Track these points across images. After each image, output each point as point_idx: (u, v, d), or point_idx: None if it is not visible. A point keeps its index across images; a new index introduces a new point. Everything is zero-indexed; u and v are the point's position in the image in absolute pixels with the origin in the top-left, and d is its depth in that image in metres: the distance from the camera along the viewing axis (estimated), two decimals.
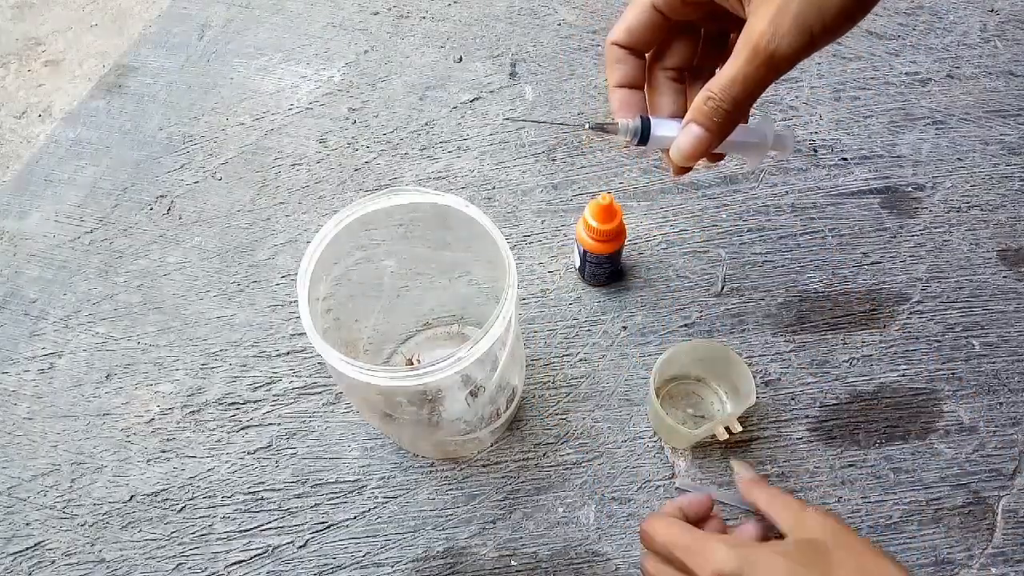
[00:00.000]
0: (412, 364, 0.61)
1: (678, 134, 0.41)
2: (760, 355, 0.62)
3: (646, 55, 0.45)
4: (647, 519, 0.45)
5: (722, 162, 0.72)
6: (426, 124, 0.77)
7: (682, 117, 0.42)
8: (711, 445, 0.58)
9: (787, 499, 0.46)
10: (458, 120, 0.77)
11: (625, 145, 0.49)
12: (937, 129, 0.74)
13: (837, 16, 0.36)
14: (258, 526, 0.57)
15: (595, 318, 0.64)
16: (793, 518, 0.44)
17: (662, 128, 0.43)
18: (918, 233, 0.68)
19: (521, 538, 0.55)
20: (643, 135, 0.44)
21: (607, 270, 0.63)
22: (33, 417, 0.62)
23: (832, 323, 0.63)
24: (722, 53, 0.43)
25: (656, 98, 0.45)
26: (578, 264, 0.64)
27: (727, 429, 0.55)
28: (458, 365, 0.44)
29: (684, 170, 0.44)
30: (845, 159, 0.72)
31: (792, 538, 0.43)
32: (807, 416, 0.59)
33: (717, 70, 0.39)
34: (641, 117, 0.43)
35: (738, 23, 0.39)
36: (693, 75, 0.45)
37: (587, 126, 0.45)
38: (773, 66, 0.37)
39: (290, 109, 0.79)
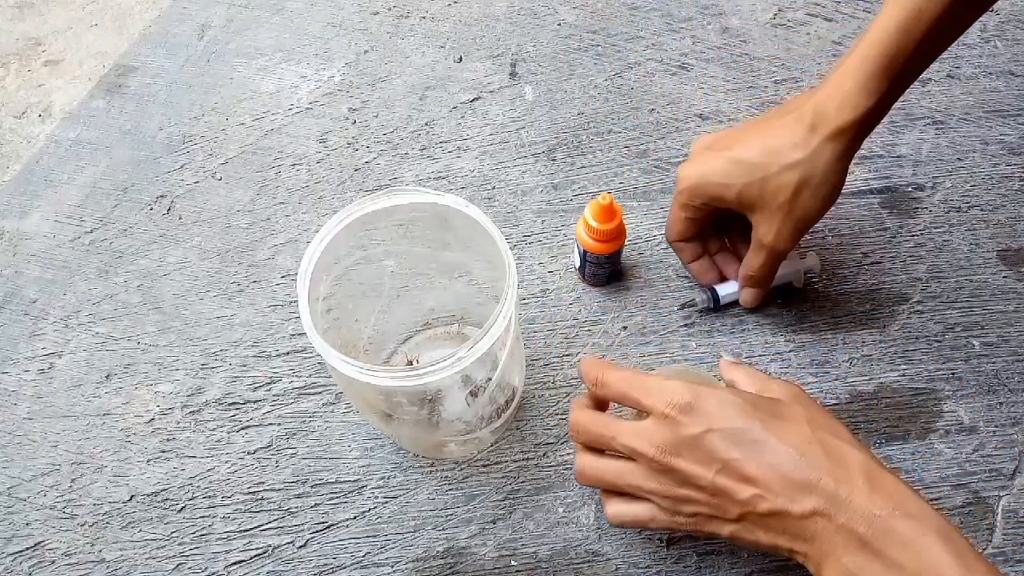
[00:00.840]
0: (412, 364, 0.61)
1: (740, 293, 0.62)
2: (760, 355, 0.62)
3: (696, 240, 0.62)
4: (585, 393, 0.49)
5: None
6: (426, 124, 0.77)
7: (727, 277, 0.63)
8: None
9: (760, 374, 0.47)
10: (458, 120, 0.77)
11: (702, 311, 0.64)
12: (937, 129, 0.74)
13: (819, 216, 0.54)
14: (258, 526, 0.57)
15: (595, 318, 0.64)
16: (760, 384, 0.46)
17: (724, 291, 0.63)
18: (918, 233, 0.68)
19: (521, 538, 0.55)
20: (715, 301, 0.63)
21: (607, 270, 0.63)
22: (33, 417, 0.62)
23: (832, 323, 0.63)
24: (745, 227, 0.59)
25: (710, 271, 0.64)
26: (578, 264, 0.64)
27: None
28: (458, 365, 0.44)
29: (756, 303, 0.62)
30: None
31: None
32: None
33: (745, 252, 0.59)
34: (711, 289, 0.63)
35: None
36: (734, 244, 0.64)
37: (680, 307, 0.65)
38: (780, 255, 0.57)
39: (290, 109, 0.79)
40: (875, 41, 0.49)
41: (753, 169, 0.53)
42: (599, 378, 0.47)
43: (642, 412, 0.45)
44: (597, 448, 0.46)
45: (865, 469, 0.38)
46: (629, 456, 0.44)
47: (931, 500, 0.56)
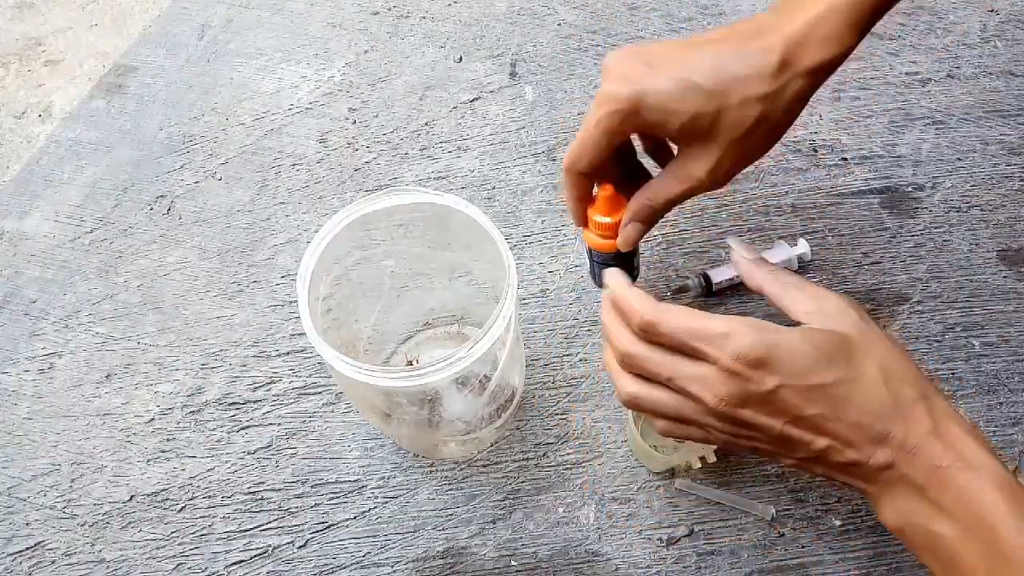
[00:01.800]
0: (412, 364, 0.61)
1: (624, 229, 0.52)
2: None
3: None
4: (642, 315, 0.41)
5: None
6: (426, 124, 0.77)
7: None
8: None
9: (800, 281, 0.43)
10: (458, 120, 0.77)
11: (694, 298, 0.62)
12: (937, 129, 0.74)
13: (759, 157, 0.49)
14: (258, 526, 0.57)
15: (595, 318, 0.64)
16: (813, 304, 0.42)
17: (717, 276, 0.62)
18: (918, 233, 0.68)
19: (521, 538, 0.55)
20: (708, 287, 0.62)
21: (621, 266, 0.57)
22: (33, 417, 0.62)
23: None
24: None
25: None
26: (588, 268, 0.59)
27: (702, 459, 0.55)
28: (458, 365, 0.44)
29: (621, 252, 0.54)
30: (845, 159, 0.72)
31: (814, 327, 0.41)
32: None
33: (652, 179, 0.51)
34: (703, 275, 0.62)
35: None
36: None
37: (672, 292, 0.63)
38: (700, 192, 0.49)
39: (290, 109, 0.79)
40: None
41: (709, 97, 0.45)
42: (651, 321, 0.41)
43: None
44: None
45: (932, 420, 0.38)
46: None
47: None
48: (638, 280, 0.63)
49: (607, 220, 0.53)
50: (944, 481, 0.37)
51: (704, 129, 0.46)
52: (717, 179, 0.48)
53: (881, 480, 0.39)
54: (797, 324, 0.42)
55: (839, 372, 0.38)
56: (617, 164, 0.53)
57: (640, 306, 0.41)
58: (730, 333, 0.38)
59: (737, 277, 0.64)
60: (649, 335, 0.41)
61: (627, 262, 0.56)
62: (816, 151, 0.73)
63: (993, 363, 0.61)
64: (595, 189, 0.53)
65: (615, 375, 0.44)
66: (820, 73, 0.46)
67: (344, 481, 0.58)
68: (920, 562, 0.39)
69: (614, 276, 0.45)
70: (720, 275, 0.63)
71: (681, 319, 0.40)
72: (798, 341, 0.38)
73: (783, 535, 0.54)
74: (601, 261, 0.57)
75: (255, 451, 0.60)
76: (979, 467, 0.36)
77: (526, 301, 0.66)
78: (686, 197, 0.49)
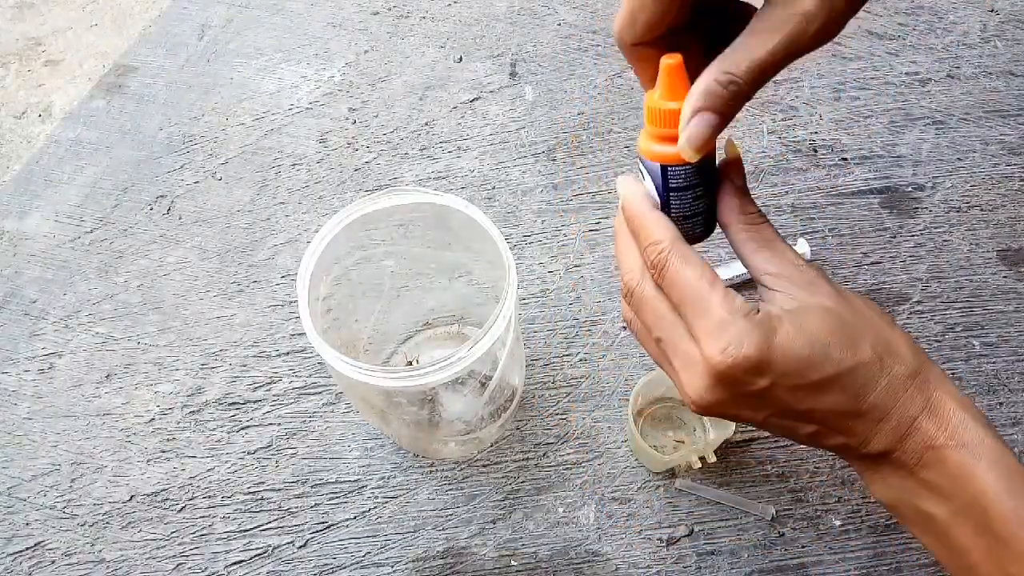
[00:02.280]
0: (412, 364, 0.61)
1: (692, 127, 0.34)
2: None
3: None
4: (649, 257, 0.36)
5: None
6: (426, 124, 0.77)
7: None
8: None
9: (768, 236, 0.37)
10: (458, 120, 0.77)
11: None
12: (937, 129, 0.74)
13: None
14: (258, 526, 0.57)
15: (595, 318, 0.64)
16: (776, 266, 0.37)
17: (721, 274, 0.42)
18: (918, 233, 0.68)
19: (521, 538, 0.55)
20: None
21: (702, 199, 0.38)
22: (33, 417, 0.62)
23: None
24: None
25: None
26: (658, 200, 0.38)
27: (702, 459, 0.55)
28: (458, 365, 0.44)
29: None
30: (845, 159, 0.72)
31: (801, 307, 0.36)
32: None
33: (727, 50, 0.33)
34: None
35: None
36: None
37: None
38: (805, 48, 0.33)
39: (290, 109, 0.79)
40: None
41: None
42: (658, 264, 0.36)
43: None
44: None
45: (925, 397, 0.36)
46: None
47: None
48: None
49: (668, 107, 0.35)
50: (937, 461, 0.35)
51: None
52: (835, 7, 0.32)
53: (871, 460, 0.37)
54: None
55: (836, 365, 0.35)
56: (695, 27, 0.36)
57: (657, 234, 0.36)
58: (728, 325, 0.34)
59: (738, 277, 0.64)
60: (657, 279, 0.37)
61: (700, 182, 0.37)
62: (816, 151, 0.73)
63: (993, 363, 0.61)
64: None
65: (622, 294, 0.40)
66: None
67: (344, 481, 0.58)
68: (913, 536, 0.38)
69: (629, 185, 0.38)
70: (720, 274, 0.63)
71: (689, 277, 0.35)
72: (794, 335, 0.34)
73: (783, 535, 0.54)
74: (680, 185, 0.37)
75: (255, 451, 0.60)
76: (973, 444, 0.35)
77: (526, 301, 0.66)
78: (786, 56, 0.33)
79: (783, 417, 0.37)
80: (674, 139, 0.35)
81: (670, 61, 0.34)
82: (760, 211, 0.38)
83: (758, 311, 0.35)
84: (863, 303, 0.38)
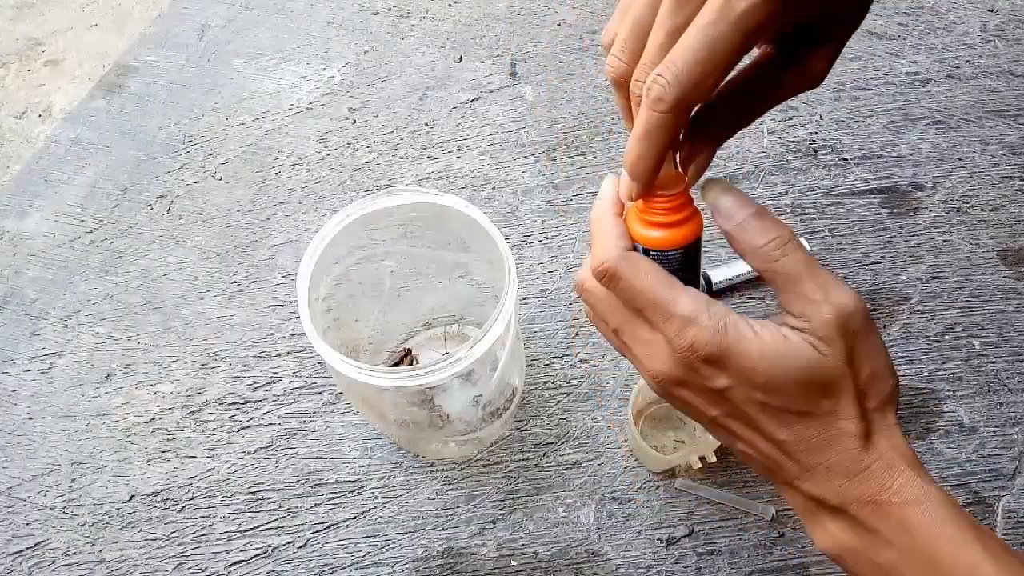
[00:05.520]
0: (408, 354, 0.61)
1: (699, 162, 0.36)
2: None
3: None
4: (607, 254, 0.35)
5: (721, 162, 0.73)
6: (426, 124, 0.77)
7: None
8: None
9: (802, 271, 0.34)
10: (458, 120, 0.77)
11: None
12: (937, 129, 0.74)
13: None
14: (258, 526, 0.57)
15: None
16: (802, 308, 0.34)
17: (718, 276, 0.44)
18: (918, 233, 0.68)
19: (521, 538, 0.55)
20: (708, 287, 0.48)
21: (681, 277, 0.36)
22: (33, 417, 0.62)
23: None
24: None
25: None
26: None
27: (702, 459, 0.55)
28: (458, 365, 0.44)
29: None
30: (845, 159, 0.72)
31: (793, 346, 0.34)
32: None
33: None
34: (703, 274, 0.45)
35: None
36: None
37: None
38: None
39: (290, 109, 0.79)
40: None
41: None
42: (611, 272, 0.35)
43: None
44: None
45: (873, 458, 0.35)
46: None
47: None
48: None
49: (664, 199, 0.36)
50: (883, 515, 0.35)
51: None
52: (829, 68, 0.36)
53: (812, 503, 0.37)
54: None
55: (794, 402, 0.34)
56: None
57: (607, 245, 0.36)
58: (695, 320, 0.34)
59: (738, 277, 0.64)
60: (607, 284, 0.36)
61: (686, 263, 0.37)
62: (816, 151, 0.73)
63: (993, 363, 0.61)
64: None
65: (573, 284, 0.39)
66: None
67: (344, 481, 0.58)
68: None
69: (604, 187, 0.38)
70: (720, 275, 0.63)
71: (648, 283, 0.35)
72: (763, 356, 0.34)
73: (783, 535, 0.54)
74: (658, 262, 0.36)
75: (255, 451, 0.60)
76: (917, 498, 0.35)
77: (526, 301, 0.66)
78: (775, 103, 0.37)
79: (733, 419, 0.36)
80: (666, 223, 0.36)
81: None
82: (775, 238, 0.34)
83: (728, 314, 0.35)
84: (851, 353, 0.35)
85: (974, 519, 0.35)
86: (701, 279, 0.55)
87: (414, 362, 0.61)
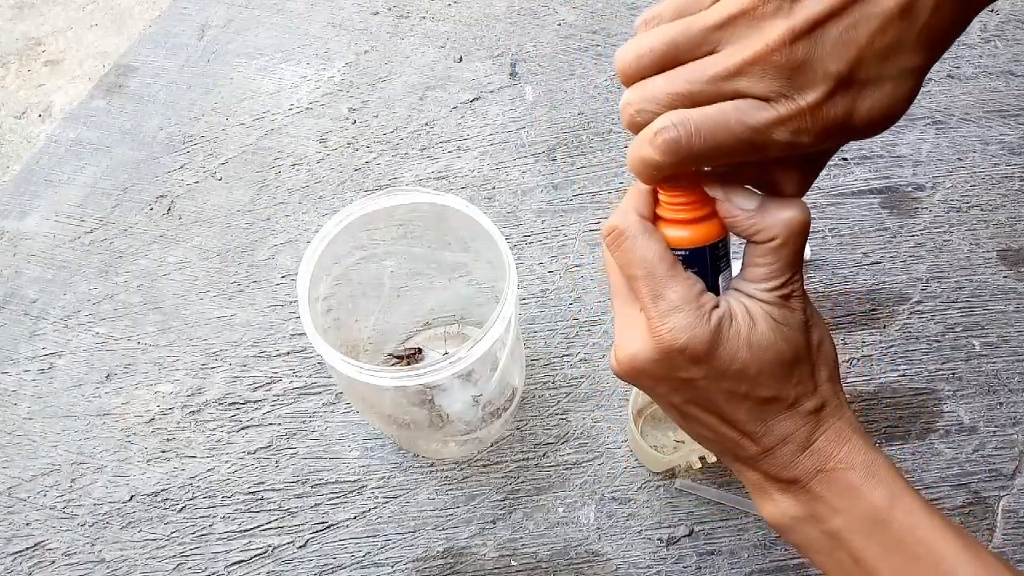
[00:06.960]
0: (419, 352, 0.61)
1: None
2: None
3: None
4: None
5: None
6: (426, 124, 0.77)
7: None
8: None
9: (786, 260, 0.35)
10: (458, 120, 0.77)
11: None
12: (937, 129, 0.74)
13: None
14: (258, 526, 0.57)
15: (595, 318, 0.64)
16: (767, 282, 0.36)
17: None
18: (918, 233, 0.68)
19: (521, 538, 0.55)
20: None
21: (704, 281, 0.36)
22: (33, 417, 0.62)
23: (832, 323, 0.63)
24: None
25: None
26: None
27: (702, 459, 0.55)
28: (458, 365, 0.44)
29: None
30: (845, 159, 0.72)
31: (764, 324, 0.35)
32: None
33: None
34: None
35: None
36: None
37: None
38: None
39: (290, 109, 0.79)
40: None
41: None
42: (618, 229, 0.36)
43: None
44: None
45: (824, 429, 0.37)
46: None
47: (931, 500, 0.56)
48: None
49: (678, 199, 0.36)
50: (830, 481, 0.36)
51: None
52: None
53: (766, 479, 0.38)
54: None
55: (762, 389, 0.35)
56: None
57: (625, 208, 0.36)
58: (681, 308, 0.34)
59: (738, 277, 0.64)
60: (609, 249, 0.37)
61: (710, 263, 0.37)
62: None
63: (993, 363, 0.61)
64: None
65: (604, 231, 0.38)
66: None
67: (344, 481, 0.58)
68: (809, 562, 0.38)
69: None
70: (721, 276, 0.63)
71: (648, 254, 0.35)
72: (750, 347, 0.34)
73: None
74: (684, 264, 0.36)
75: (255, 451, 0.60)
76: (864, 465, 0.36)
77: (526, 301, 0.66)
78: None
79: (695, 405, 0.37)
80: (685, 220, 0.36)
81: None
82: (784, 282, 0.36)
83: (717, 305, 0.35)
84: (809, 337, 0.37)
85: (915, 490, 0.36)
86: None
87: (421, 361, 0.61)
